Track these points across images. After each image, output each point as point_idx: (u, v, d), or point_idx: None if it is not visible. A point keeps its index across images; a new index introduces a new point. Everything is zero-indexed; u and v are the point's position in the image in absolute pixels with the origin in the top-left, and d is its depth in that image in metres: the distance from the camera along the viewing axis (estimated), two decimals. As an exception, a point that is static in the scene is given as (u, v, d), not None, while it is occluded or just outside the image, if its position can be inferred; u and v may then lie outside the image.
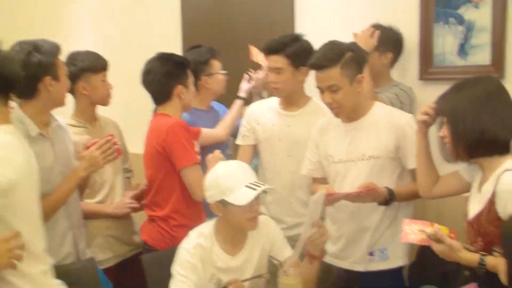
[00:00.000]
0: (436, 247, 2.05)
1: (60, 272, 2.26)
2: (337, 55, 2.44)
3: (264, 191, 2.24)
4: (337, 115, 2.52)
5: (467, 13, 2.83)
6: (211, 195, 2.27)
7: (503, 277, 1.80)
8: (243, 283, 2.20)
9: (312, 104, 2.89)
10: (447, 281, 2.34)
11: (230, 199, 2.19)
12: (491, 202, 1.99)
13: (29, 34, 2.52)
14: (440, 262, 2.38)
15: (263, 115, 2.96)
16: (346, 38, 2.96)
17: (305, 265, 2.29)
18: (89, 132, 2.90)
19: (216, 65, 3.23)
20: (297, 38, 2.85)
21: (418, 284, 2.09)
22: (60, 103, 2.48)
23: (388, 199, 2.42)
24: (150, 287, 2.50)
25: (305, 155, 2.73)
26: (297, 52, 2.77)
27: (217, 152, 2.67)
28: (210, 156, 2.65)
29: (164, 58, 2.83)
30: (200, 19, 4.04)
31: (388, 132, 2.50)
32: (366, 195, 2.37)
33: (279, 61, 2.79)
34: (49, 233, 2.25)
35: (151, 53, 2.93)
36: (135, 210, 3.02)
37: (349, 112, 2.51)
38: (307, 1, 3.51)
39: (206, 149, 2.88)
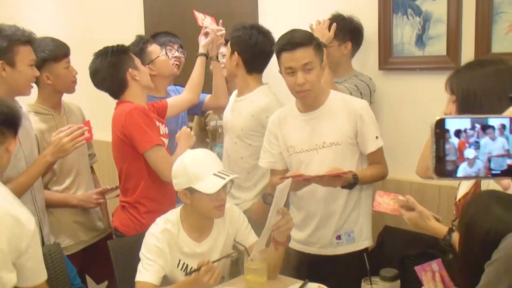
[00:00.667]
0: (407, 215, 2.11)
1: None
2: (309, 37, 2.52)
3: (231, 180, 2.29)
4: (303, 98, 2.55)
5: (425, 4, 2.91)
6: (178, 182, 2.31)
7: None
8: (214, 264, 2.24)
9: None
10: (406, 265, 2.44)
11: (198, 187, 2.23)
12: (477, 185, 2.02)
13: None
14: (400, 247, 2.48)
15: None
16: (307, 28, 3.04)
17: (271, 251, 2.35)
18: (54, 119, 2.91)
19: (154, 50, 3.18)
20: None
21: (378, 268, 2.16)
22: (19, 91, 2.49)
23: (353, 182, 2.50)
24: (117, 272, 2.53)
25: (262, 147, 2.78)
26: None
27: (184, 128, 2.74)
28: (178, 134, 2.72)
29: (102, 53, 2.82)
30: (162, 8, 4.05)
31: (346, 118, 2.56)
32: (333, 179, 2.44)
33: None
34: None
35: (114, 42, 2.93)
36: (99, 204, 3.07)
37: (315, 98, 2.57)
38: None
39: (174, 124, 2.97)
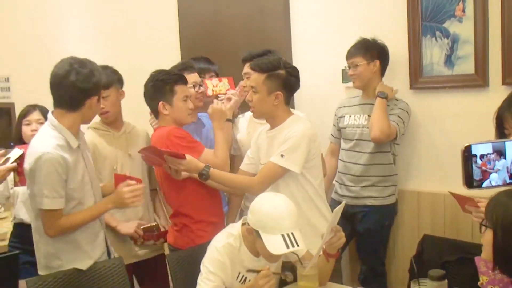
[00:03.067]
0: None
1: (95, 269, 2.52)
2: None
3: (293, 252, 2.37)
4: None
5: (452, 27, 3.11)
6: (251, 219, 2.39)
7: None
8: (272, 275, 2.34)
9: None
10: (447, 269, 2.58)
11: (264, 238, 2.31)
12: None
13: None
14: (439, 253, 2.64)
15: None
16: (339, 51, 3.26)
17: (322, 262, 2.48)
18: (111, 135, 3.09)
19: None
20: None
21: (421, 273, 2.30)
22: (91, 120, 2.71)
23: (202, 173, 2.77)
24: (175, 286, 2.69)
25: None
26: None
27: (215, 103, 2.99)
28: (210, 111, 2.95)
29: (148, 78, 2.99)
30: (197, 32, 4.25)
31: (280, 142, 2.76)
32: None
33: None
34: (85, 233, 2.55)
35: (151, 66, 3.09)
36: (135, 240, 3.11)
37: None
38: (302, 16, 3.76)
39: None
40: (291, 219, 2.34)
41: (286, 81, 2.78)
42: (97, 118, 2.98)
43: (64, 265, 2.55)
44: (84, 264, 2.57)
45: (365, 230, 3.28)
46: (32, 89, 3.41)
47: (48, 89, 2.53)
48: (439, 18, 3.16)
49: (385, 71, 3.30)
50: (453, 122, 3.19)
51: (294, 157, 2.70)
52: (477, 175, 2.10)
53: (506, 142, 2.14)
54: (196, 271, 2.45)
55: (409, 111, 3.24)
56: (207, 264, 2.43)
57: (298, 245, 2.28)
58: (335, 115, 3.47)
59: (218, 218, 3.00)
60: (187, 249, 2.81)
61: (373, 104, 3.18)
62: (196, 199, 2.93)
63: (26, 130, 3.33)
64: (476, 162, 2.09)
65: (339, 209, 2.34)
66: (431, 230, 3.16)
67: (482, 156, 2.08)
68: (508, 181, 2.13)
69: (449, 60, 3.15)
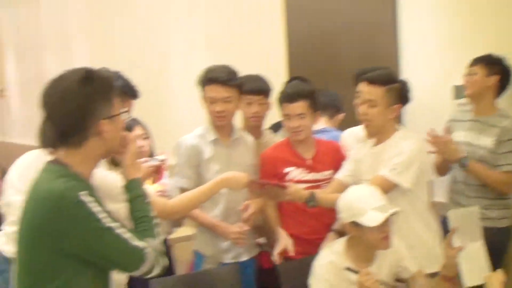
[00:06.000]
0: None
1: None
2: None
3: (392, 214, 2.44)
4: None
5: None
6: (343, 217, 2.52)
7: None
8: (376, 282, 2.36)
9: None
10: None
11: (361, 221, 2.42)
12: None
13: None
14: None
15: None
16: (449, 67, 3.24)
17: (438, 283, 2.47)
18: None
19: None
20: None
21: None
22: None
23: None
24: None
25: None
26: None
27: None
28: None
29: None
30: (306, 50, 4.32)
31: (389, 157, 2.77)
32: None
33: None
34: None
35: None
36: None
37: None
38: (410, 30, 3.74)
39: None
40: (375, 196, 2.47)
41: (403, 94, 2.79)
42: None
43: None
44: None
45: None
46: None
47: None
48: None
49: (503, 92, 3.19)
50: None
51: (406, 172, 2.68)
52: None
53: None
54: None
55: None
56: (313, 282, 2.51)
57: (393, 209, 2.39)
58: (447, 128, 3.37)
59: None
60: (300, 260, 2.85)
61: (485, 123, 3.10)
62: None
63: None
64: None
65: (469, 212, 2.36)
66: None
67: None
68: None
69: None
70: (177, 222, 3.07)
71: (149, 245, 1.83)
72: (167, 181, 2.99)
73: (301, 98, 2.94)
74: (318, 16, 4.27)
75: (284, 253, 2.86)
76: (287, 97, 2.97)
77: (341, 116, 3.65)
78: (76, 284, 1.78)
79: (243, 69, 4.75)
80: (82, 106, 1.78)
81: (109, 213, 1.78)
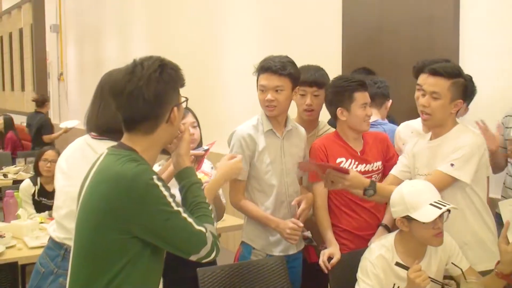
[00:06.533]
0: None
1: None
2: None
3: (449, 210, 2.40)
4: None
5: None
6: (396, 211, 2.47)
7: None
8: (428, 278, 2.31)
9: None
10: None
11: (415, 215, 2.37)
12: None
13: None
14: None
15: None
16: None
17: (491, 278, 2.41)
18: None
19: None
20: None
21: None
22: None
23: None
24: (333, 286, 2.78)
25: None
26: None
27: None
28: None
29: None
30: (361, 40, 4.27)
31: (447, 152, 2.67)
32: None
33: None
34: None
35: None
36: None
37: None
38: (473, 24, 3.62)
39: None
40: (431, 192, 2.43)
41: (467, 89, 2.70)
42: None
43: None
44: None
45: None
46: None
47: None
48: None
49: None
50: None
51: (466, 167, 2.59)
52: None
53: None
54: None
55: None
56: (362, 276, 2.49)
57: (449, 205, 2.35)
58: (502, 124, 3.29)
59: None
60: (348, 253, 2.84)
61: None
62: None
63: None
64: None
65: None
66: None
67: None
68: None
69: None
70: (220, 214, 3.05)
71: (209, 230, 1.88)
72: (209, 171, 2.97)
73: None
74: (375, 8, 4.21)
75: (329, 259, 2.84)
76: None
77: (389, 103, 3.54)
78: (137, 266, 1.84)
79: (296, 59, 4.78)
80: (161, 93, 1.84)
81: (174, 198, 1.83)
